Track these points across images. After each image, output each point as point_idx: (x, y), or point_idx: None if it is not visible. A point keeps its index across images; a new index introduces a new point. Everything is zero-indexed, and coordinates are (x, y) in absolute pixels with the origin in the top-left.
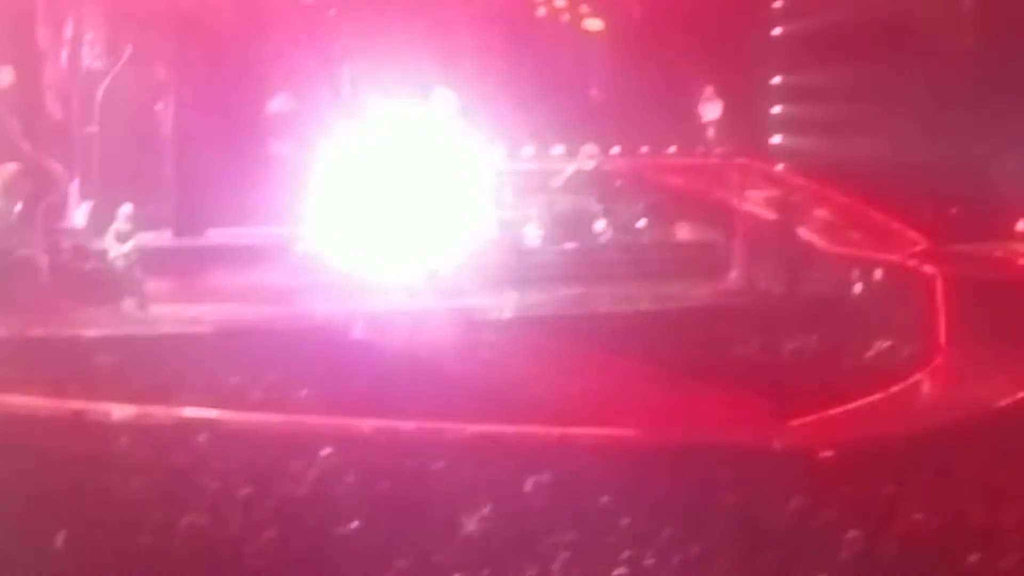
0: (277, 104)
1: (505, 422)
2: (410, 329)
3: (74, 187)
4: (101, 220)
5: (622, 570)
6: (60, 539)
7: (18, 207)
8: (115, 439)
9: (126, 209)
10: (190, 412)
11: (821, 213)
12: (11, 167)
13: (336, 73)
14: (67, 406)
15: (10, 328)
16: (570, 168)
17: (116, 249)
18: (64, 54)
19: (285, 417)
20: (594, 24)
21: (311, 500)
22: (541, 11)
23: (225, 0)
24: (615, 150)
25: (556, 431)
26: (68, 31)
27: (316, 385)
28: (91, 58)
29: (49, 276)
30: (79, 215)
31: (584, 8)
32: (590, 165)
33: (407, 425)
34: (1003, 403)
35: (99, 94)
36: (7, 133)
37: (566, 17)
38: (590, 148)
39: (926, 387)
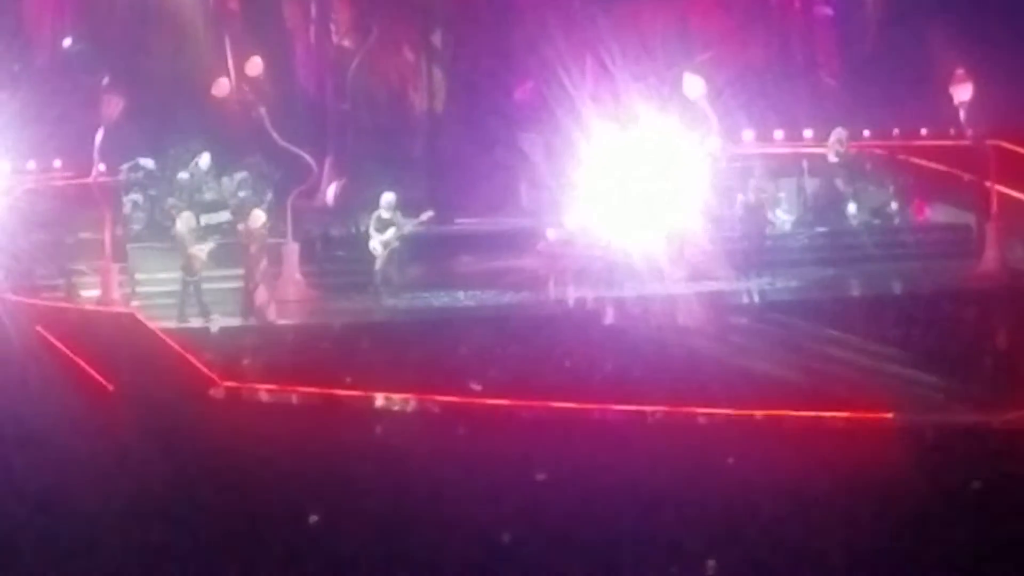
0: (523, 93)
1: (757, 406)
2: (660, 314)
3: (327, 164)
4: (352, 198)
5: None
6: (312, 521)
7: (269, 197)
8: (369, 426)
9: (388, 199)
10: (443, 399)
11: None
12: (259, 158)
13: (584, 61)
14: (320, 392)
15: (263, 317)
16: (821, 151)
17: (377, 238)
18: (312, 32)
19: (537, 402)
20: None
21: (562, 485)
22: None
23: None
24: (866, 133)
25: (808, 414)
26: (313, 10)
27: (568, 371)
28: (338, 37)
29: (303, 264)
30: (330, 194)
31: None
32: (841, 148)
33: (657, 409)
34: None
35: (349, 73)
36: (257, 123)
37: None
38: (840, 132)
39: None
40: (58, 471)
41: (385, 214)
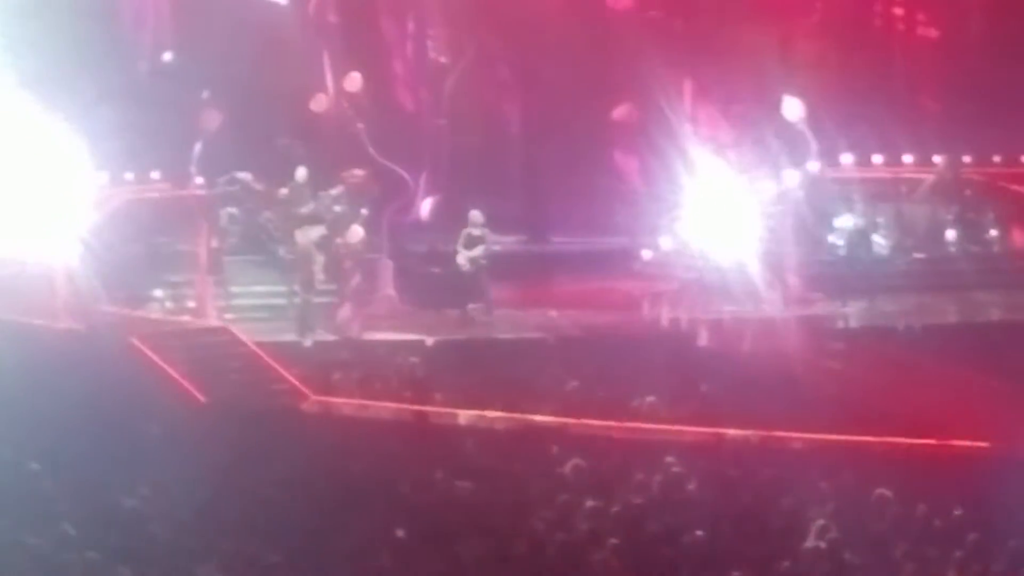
0: (620, 113)
1: (851, 432)
2: (756, 337)
3: (423, 180)
4: (447, 215)
5: None
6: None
7: (364, 212)
8: (458, 443)
9: (476, 216)
10: (533, 418)
11: None
12: (357, 173)
13: (682, 82)
14: (411, 409)
15: (349, 332)
16: (920, 177)
17: (464, 254)
18: (409, 48)
19: (629, 424)
20: (932, 32)
21: (653, 508)
22: (878, 20)
23: (567, 7)
24: (966, 159)
25: (904, 441)
26: (411, 26)
27: (660, 392)
28: (436, 53)
29: (396, 280)
30: (425, 208)
31: (921, 16)
32: (940, 174)
33: (755, 434)
34: None
35: (446, 89)
36: (356, 139)
37: (902, 25)
38: (940, 158)
39: None
40: (150, 483)
41: (475, 231)
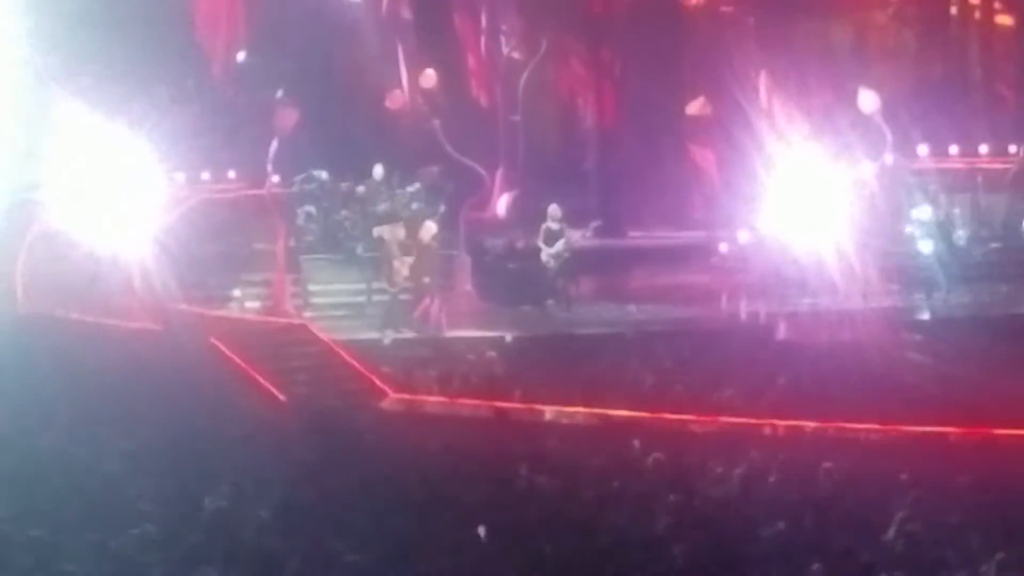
0: (695, 107)
1: (929, 423)
2: (835, 329)
3: (498, 176)
4: (523, 210)
5: None
6: (481, 533)
7: (442, 209)
8: (540, 439)
9: (555, 211)
10: (614, 412)
11: None
12: (433, 170)
13: (757, 75)
14: (490, 405)
15: (435, 328)
16: (996, 167)
17: (547, 251)
18: (483, 44)
19: (708, 417)
20: (1008, 21)
21: (734, 501)
22: (953, 9)
23: (639, 2)
24: None
25: (981, 431)
26: (484, 22)
27: (740, 385)
28: (509, 48)
29: (474, 276)
30: (501, 205)
31: (998, 4)
32: (1019, 164)
33: (832, 425)
34: None
35: (520, 85)
36: (431, 135)
37: (978, 15)
38: (1018, 148)
39: None
40: (231, 483)
41: (553, 225)
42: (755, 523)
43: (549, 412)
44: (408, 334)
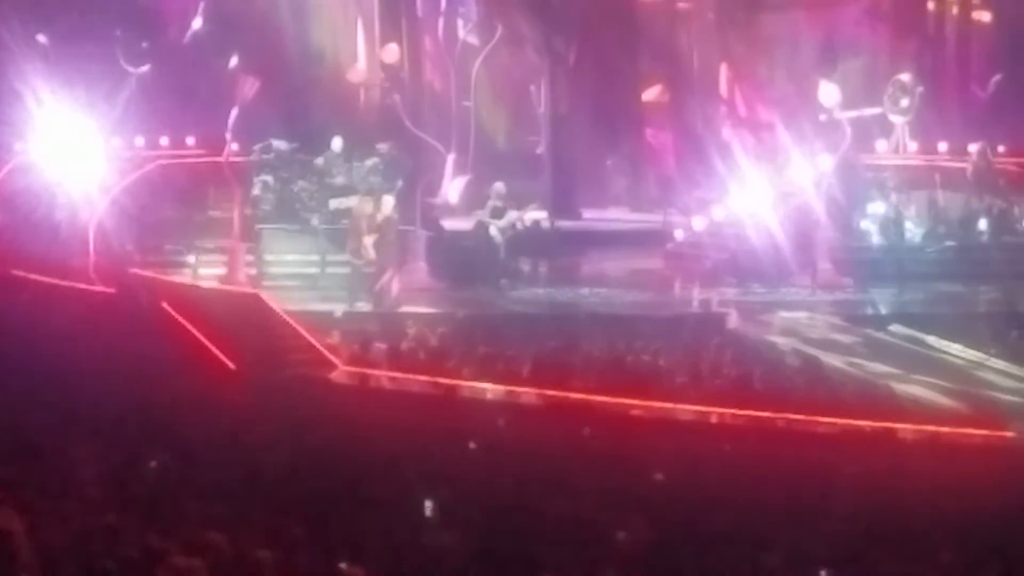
0: (653, 93)
1: (870, 418)
2: (783, 321)
3: (449, 161)
4: (474, 196)
5: None
6: (429, 510)
7: (399, 184)
8: (487, 418)
9: (500, 188)
10: (559, 394)
11: None
12: (389, 146)
13: (713, 64)
14: (438, 383)
15: (390, 303)
16: (953, 166)
17: (495, 225)
18: (440, 26)
19: (656, 404)
20: (983, 16)
21: (685, 488)
22: (931, 5)
23: None
24: (1001, 148)
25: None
26: (443, 2)
27: (688, 373)
28: (465, 32)
29: (428, 253)
30: (452, 190)
31: (955, 4)
32: (973, 162)
33: (779, 417)
34: None
35: (474, 70)
36: (392, 110)
37: (955, 10)
38: (974, 145)
39: None
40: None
41: (498, 203)
42: (704, 511)
43: (496, 391)
44: (361, 307)
